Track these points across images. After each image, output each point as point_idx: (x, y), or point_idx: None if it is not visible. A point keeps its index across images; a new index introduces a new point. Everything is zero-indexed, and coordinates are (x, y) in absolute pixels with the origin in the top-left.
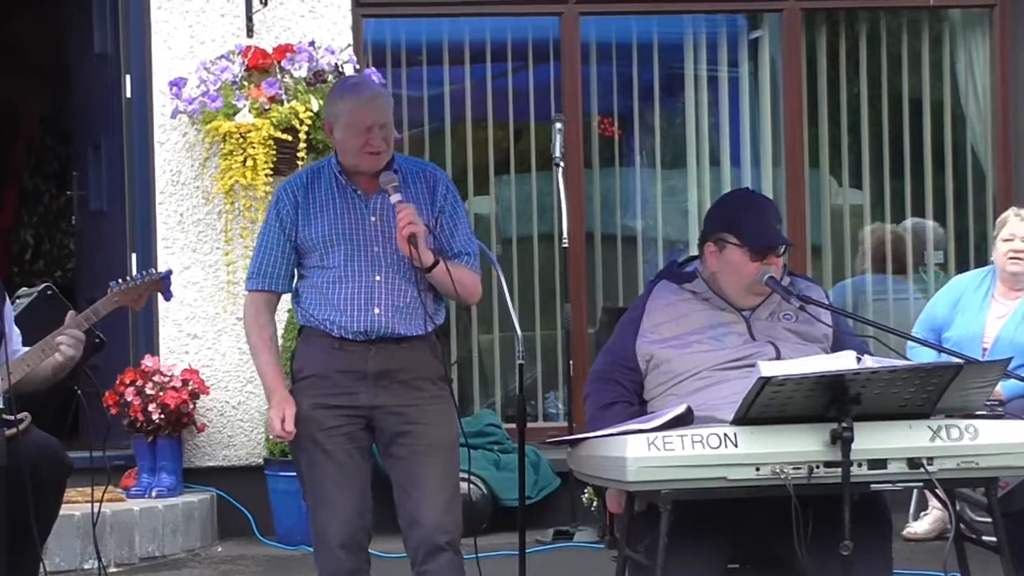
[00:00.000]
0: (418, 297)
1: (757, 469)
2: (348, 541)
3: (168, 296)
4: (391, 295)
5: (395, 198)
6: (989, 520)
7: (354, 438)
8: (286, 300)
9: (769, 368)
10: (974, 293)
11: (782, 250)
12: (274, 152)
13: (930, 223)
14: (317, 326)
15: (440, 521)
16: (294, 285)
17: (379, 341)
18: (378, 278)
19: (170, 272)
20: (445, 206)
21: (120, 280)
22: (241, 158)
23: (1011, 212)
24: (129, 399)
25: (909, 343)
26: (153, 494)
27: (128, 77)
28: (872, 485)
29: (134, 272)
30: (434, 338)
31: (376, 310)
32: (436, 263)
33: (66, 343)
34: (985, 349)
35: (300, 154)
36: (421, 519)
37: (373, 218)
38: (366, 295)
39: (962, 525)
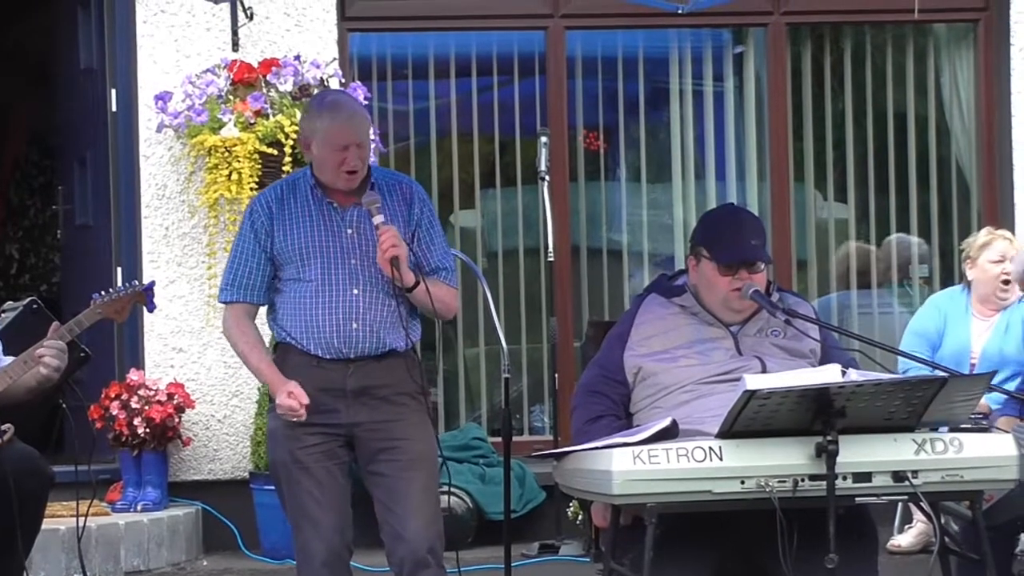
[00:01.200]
0: (396, 311)
1: (742, 482)
2: (331, 559)
3: (151, 308)
4: (370, 310)
5: (377, 219)
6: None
7: (333, 455)
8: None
9: (754, 381)
10: (956, 310)
11: (761, 266)
12: (259, 166)
13: (914, 239)
14: (294, 344)
15: (425, 535)
16: (270, 299)
17: (358, 360)
18: (356, 291)
19: (153, 284)
20: (422, 220)
21: (103, 292)
22: (226, 172)
23: (988, 233)
24: (114, 413)
25: (900, 361)
26: (138, 508)
27: (114, 91)
28: (857, 498)
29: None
30: (412, 353)
31: (354, 324)
32: (416, 283)
33: (48, 355)
34: (973, 364)
35: (286, 168)
36: (406, 534)
37: (350, 231)
38: (344, 310)
39: (947, 538)
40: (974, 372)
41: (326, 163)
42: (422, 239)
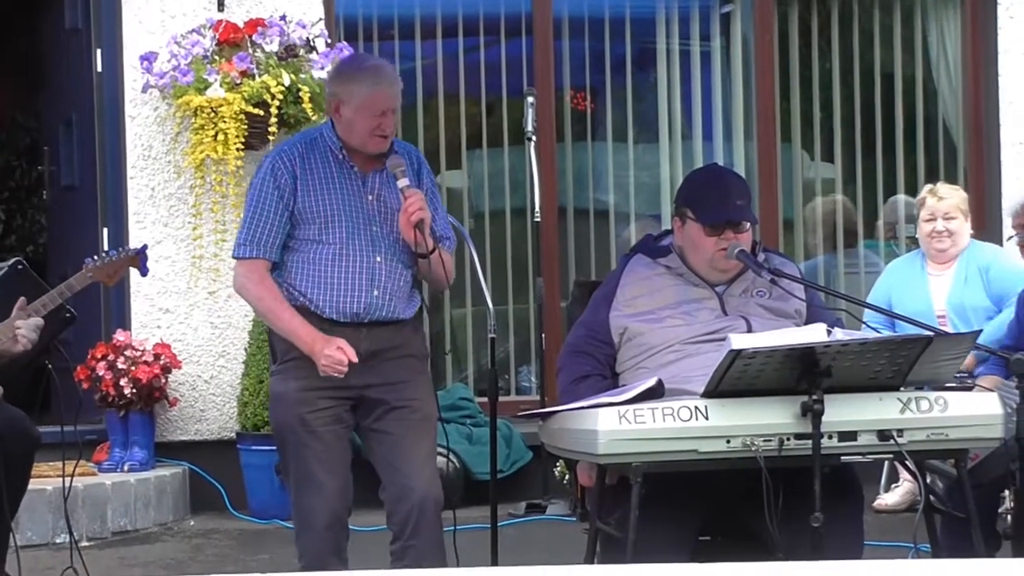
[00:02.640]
0: (410, 280)
1: (728, 441)
2: (332, 521)
3: (144, 272)
4: (390, 277)
5: (403, 182)
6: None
7: (340, 419)
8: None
9: (739, 341)
10: (909, 271)
11: (746, 226)
12: (245, 126)
13: (903, 197)
14: (306, 305)
15: (430, 496)
16: (280, 258)
17: (370, 324)
18: (378, 259)
19: (145, 247)
20: (428, 188)
21: (95, 256)
22: (212, 132)
23: (926, 191)
24: (101, 373)
25: (867, 314)
26: (125, 468)
27: (99, 52)
28: (842, 457)
29: (106, 246)
30: (418, 320)
31: (375, 292)
32: (434, 249)
33: (25, 328)
34: (939, 318)
35: (271, 128)
36: (411, 494)
37: (371, 197)
38: (367, 276)
39: (932, 497)
40: (943, 327)
41: (358, 126)
42: (428, 208)
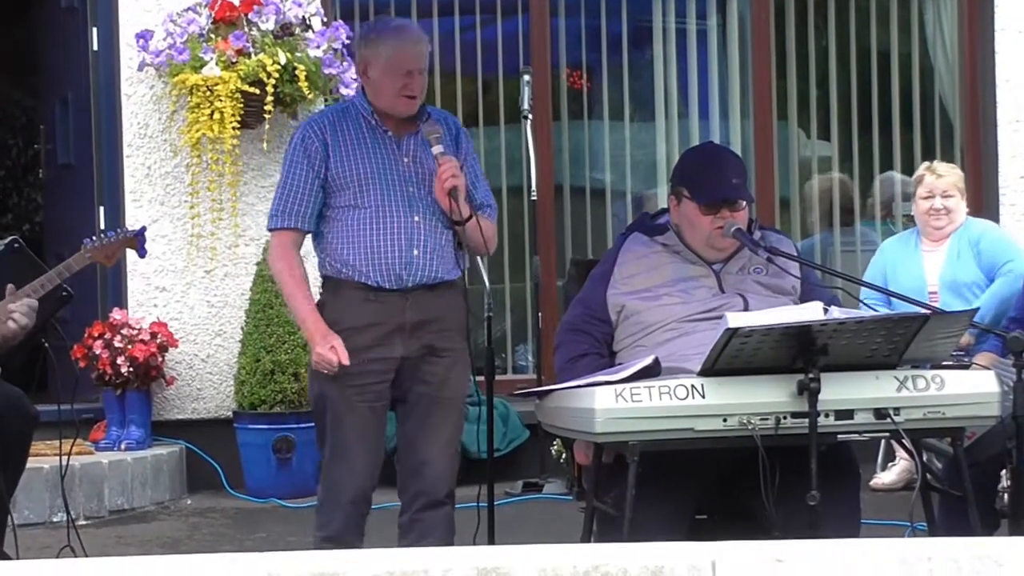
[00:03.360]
0: (451, 240)
1: (724, 420)
2: (358, 497)
3: (142, 254)
4: (429, 236)
5: (437, 149)
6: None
7: (380, 396)
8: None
9: (736, 319)
10: (903, 248)
11: (742, 204)
12: (241, 105)
13: (899, 176)
14: (350, 276)
15: (446, 476)
16: (319, 229)
17: (414, 289)
18: (417, 219)
19: (144, 229)
20: (468, 156)
21: (93, 237)
22: (208, 111)
23: (924, 168)
24: (97, 352)
25: (864, 292)
26: (122, 447)
27: (95, 30)
28: (839, 436)
29: (102, 225)
30: (463, 284)
31: (415, 251)
32: (470, 216)
33: (19, 311)
34: (930, 294)
35: (267, 107)
36: (427, 471)
37: (406, 159)
38: (405, 236)
39: (929, 475)
40: (935, 304)
41: (385, 88)
42: (468, 176)
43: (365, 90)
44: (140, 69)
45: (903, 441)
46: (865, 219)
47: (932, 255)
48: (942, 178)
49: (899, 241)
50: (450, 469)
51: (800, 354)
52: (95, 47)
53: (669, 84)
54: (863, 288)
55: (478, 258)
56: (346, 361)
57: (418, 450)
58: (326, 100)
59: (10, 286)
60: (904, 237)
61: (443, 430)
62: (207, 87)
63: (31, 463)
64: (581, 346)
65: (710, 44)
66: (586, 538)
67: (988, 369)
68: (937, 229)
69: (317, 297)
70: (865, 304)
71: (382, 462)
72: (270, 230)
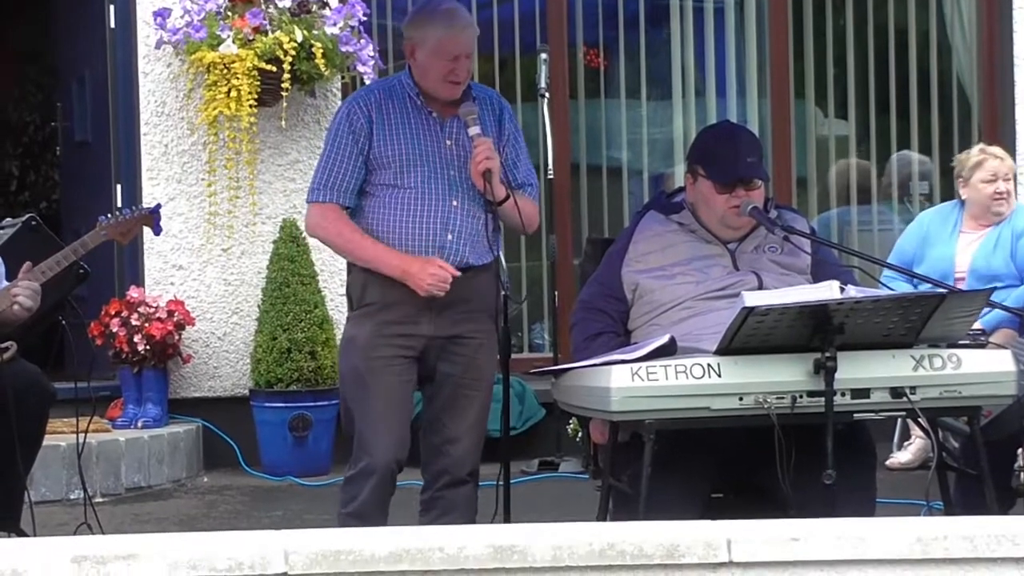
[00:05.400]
0: (487, 225)
1: (740, 399)
2: (385, 474)
3: (158, 231)
4: (465, 221)
5: (473, 130)
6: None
7: (408, 371)
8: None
9: (752, 298)
10: (941, 226)
11: (758, 183)
12: (258, 83)
13: (915, 155)
14: None
15: (470, 456)
16: (356, 204)
17: None
18: (455, 203)
19: (159, 206)
20: (511, 135)
21: (109, 215)
22: (225, 89)
23: (980, 152)
24: (114, 330)
25: (884, 273)
26: (139, 425)
27: (112, 7)
28: (855, 414)
29: (119, 203)
30: (496, 267)
31: (449, 236)
32: (507, 197)
33: (23, 295)
34: (957, 279)
35: (284, 85)
36: (452, 450)
37: (448, 142)
38: (441, 220)
39: (945, 454)
40: (961, 287)
41: (431, 71)
42: (509, 155)
43: (412, 70)
44: (157, 47)
45: (919, 420)
46: (882, 199)
47: (968, 239)
48: (1004, 161)
49: (939, 215)
50: (475, 449)
51: (816, 333)
52: (112, 25)
53: (686, 62)
54: (885, 270)
55: None
56: (456, 272)
57: (444, 429)
58: (343, 78)
59: (27, 264)
60: (945, 212)
61: (470, 411)
62: (224, 65)
63: (48, 440)
64: (597, 325)
65: (727, 22)
66: (602, 516)
67: (1005, 348)
68: (998, 214)
69: (346, 274)
70: (885, 286)
71: (409, 438)
72: (309, 202)
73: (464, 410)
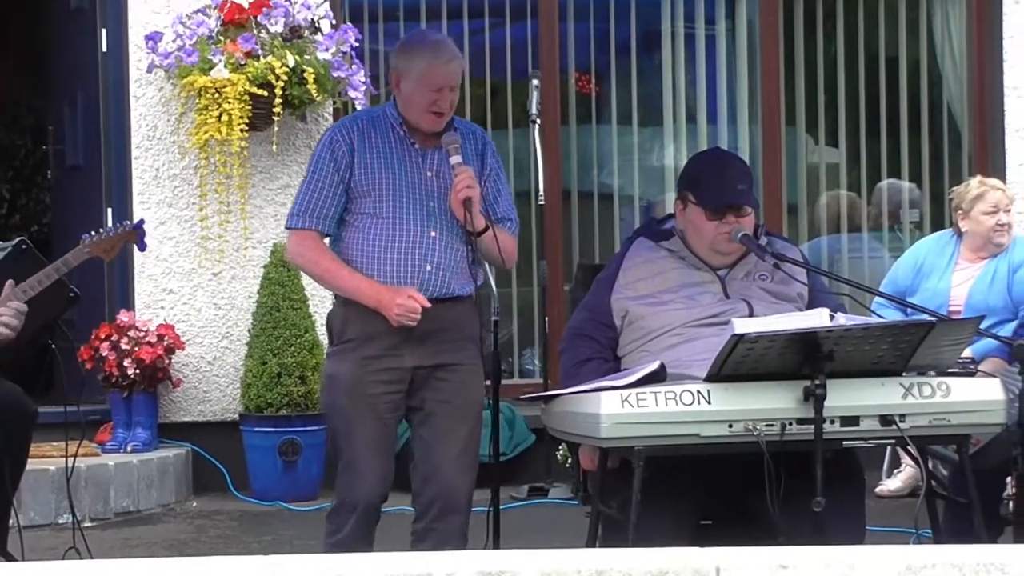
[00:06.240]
0: (466, 256)
1: (730, 426)
2: (368, 508)
3: (142, 247)
4: (444, 252)
5: (455, 159)
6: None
7: (395, 407)
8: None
9: (742, 325)
10: (938, 258)
11: (748, 210)
12: (249, 107)
13: (905, 184)
14: None
15: (461, 483)
16: (337, 232)
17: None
18: (433, 234)
19: (142, 222)
20: (493, 170)
21: (92, 232)
22: (216, 113)
23: (980, 184)
24: (104, 354)
25: (876, 300)
26: (128, 449)
27: (104, 31)
28: (844, 442)
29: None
30: (476, 298)
31: (428, 267)
32: (486, 228)
33: (7, 315)
34: (952, 312)
35: (276, 109)
36: (442, 479)
37: (429, 173)
38: (420, 251)
39: (934, 482)
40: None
41: (415, 101)
42: (490, 189)
43: (396, 100)
44: (149, 71)
45: (908, 448)
46: (871, 228)
47: (965, 273)
48: (1004, 193)
49: (936, 245)
50: (466, 477)
51: (806, 360)
52: (104, 48)
53: (678, 89)
54: (875, 298)
55: (486, 263)
56: (427, 303)
57: (433, 456)
58: (335, 103)
59: (10, 282)
60: (942, 243)
61: (459, 439)
62: (216, 89)
63: (37, 464)
64: (586, 351)
65: (719, 49)
66: (591, 543)
67: (994, 376)
68: (999, 245)
69: (329, 306)
70: (875, 314)
71: (393, 472)
72: (289, 228)
73: (453, 438)
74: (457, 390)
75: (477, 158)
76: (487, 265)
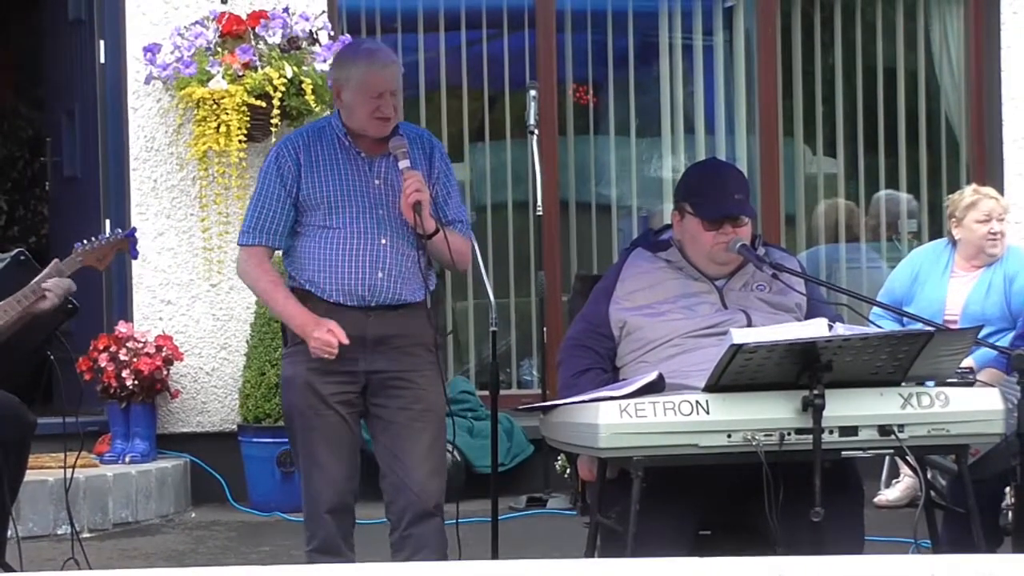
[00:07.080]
0: (418, 262)
1: (729, 436)
2: (338, 506)
3: (134, 255)
4: (395, 259)
5: (403, 164)
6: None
7: (350, 404)
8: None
9: (741, 335)
10: (933, 266)
11: (745, 220)
12: (248, 118)
13: (903, 195)
14: (311, 290)
15: (430, 488)
16: (290, 244)
17: (377, 308)
18: (384, 241)
19: (134, 230)
20: (442, 173)
21: (85, 240)
22: (215, 124)
23: (974, 192)
24: (103, 365)
25: (874, 311)
26: (127, 460)
27: (102, 43)
28: (843, 452)
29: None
30: (428, 305)
31: (380, 274)
32: (436, 231)
33: (55, 289)
34: (948, 321)
35: (274, 120)
36: (410, 484)
37: (377, 181)
38: (371, 258)
39: (933, 492)
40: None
41: (358, 110)
42: (440, 192)
43: (340, 111)
44: (147, 82)
45: (907, 458)
46: (870, 238)
47: (960, 281)
48: (998, 202)
49: (932, 253)
50: (434, 480)
51: (804, 370)
52: (102, 60)
53: (675, 100)
54: (873, 308)
55: (483, 273)
56: (345, 340)
57: (399, 464)
58: (332, 113)
59: (55, 260)
60: (937, 251)
61: (421, 442)
62: (214, 100)
63: (36, 475)
64: (584, 361)
65: (716, 60)
66: (590, 553)
67: (992, 386)
68: (991, 255)
69: None
70: (874, 324)
71: (359, 474)
72: (240, 245)
73: (415, 442)
74: (417, 396)
75: (425, 161)
76: (484, 275)
